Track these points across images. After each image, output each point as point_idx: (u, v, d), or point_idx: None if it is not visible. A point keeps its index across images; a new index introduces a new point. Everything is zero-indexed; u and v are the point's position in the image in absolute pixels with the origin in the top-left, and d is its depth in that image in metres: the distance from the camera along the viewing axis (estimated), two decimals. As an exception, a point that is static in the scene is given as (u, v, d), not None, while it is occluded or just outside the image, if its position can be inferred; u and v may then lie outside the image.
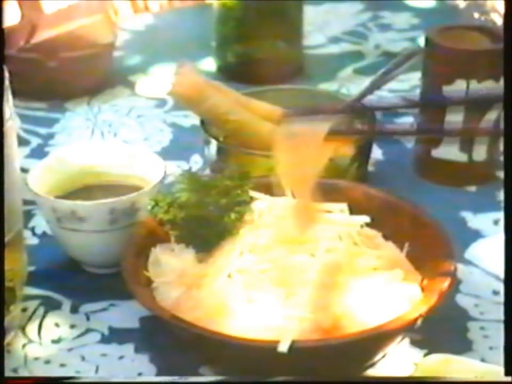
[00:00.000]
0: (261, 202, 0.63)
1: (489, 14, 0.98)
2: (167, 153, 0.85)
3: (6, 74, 0.56)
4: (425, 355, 0.58)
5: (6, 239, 0.57)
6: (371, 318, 0.55)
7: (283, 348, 0.51)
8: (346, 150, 0.72)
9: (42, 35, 0.97)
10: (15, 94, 0.56)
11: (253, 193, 0.63)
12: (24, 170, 0.70)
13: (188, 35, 1.17)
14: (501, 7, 0.98)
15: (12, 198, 0.58)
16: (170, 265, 0.60)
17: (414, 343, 0.59)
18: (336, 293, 0.56)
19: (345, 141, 0.51)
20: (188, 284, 0.58)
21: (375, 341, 0.55)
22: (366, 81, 0.84)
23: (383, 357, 0.57)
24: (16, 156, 0.58)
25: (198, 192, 0.61)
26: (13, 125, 0.57)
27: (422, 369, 0.53)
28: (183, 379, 0.57)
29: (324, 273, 0.57)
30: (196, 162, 0.84)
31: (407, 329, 0.56)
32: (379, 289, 0.57)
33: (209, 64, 1.06)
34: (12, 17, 1.05)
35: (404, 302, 0.57)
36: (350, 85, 1.01)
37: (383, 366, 0.57)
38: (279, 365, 0.54)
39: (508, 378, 0.36)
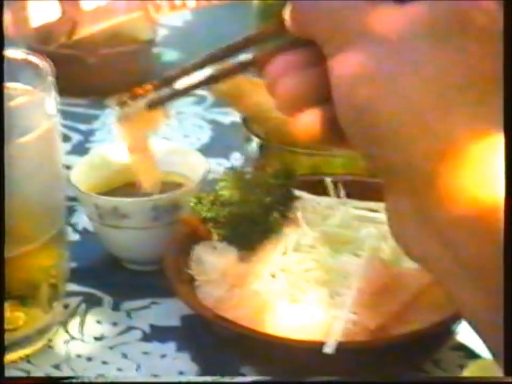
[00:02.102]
0: (304, 201, 0.62)
1: None
2: (207, 151, 0.84)
3: (51, 70, 0.56)
4: (472, 358, 0.57)
5: (50, 235, 0.57)
6: (417, 319, 0.54)
7: (329, 349, 0.50)
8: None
9: (83, 32, 0.98)
10: (55, 90, 0.56)
11: (296, 191, 0.62)
12: (65, 166, 0.71)
13: (226, 31, 1.15)
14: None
15: (56, 194, 0.58)
16: (213, 263, 0.60)
17: (461, 345, 0.58)
18: (381, 293, 0.56)
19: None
20: (230, 283, 0.58)
21: (422, 342, 0.54)
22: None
23: (430, 359, 0.56)
24: (60, 152, 0.58)
25: (241, 190, 0.60)
26: (57, 122, 0.57)
27: (470, 373, 0.52)
28: (184, 379, 0.56)
29: (369, 273, 0.56)
30: (236, 160, 0.84)
31: (454, 331, 0.55)
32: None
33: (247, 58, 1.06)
34: (52, 13, 1.05)
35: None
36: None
37: (429, 368, 0.57)
38: (323, 365, 0.53)
39: (508, 379, 0.36)
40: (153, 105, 0.53)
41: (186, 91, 0.50)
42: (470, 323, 0.36)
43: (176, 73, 0.50)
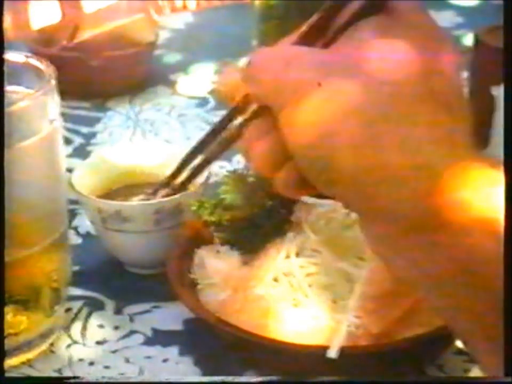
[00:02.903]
0: (307, 205, 0.62)
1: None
2: (209, 153, 0.84)
3: (53, 73, 0.56)
4: (476, 362, 0.56)
5: (52, 239, 0.57)
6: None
7: (332, 353, 0.50)
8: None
9: (85, 34, 0.98)
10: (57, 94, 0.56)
11: (299, 195, 0.62)
12: (66, 169, 0.71)
13: (227, 33, 1.16)
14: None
15: (58, 198, 0.58)
16: (215, 267, 0.60)
17: (464, 350, 0.58)
18: (384, 297, 0.55)
19: None
20: (233, 287, 0.58)
21: (425, 347, 0.53)
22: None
23: (433, 363, 0.56)
24: (62, 156, 0.58)
25: (243, 194, 0.60)
26: (59, 125, 0.57)
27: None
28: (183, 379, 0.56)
29: (372, 277, 0.56)
30: (238, 163, 0.83)
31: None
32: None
33: (250, 62, 1.06)
34: (54, 16, 1.05)
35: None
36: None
37: (432, 372, 0.56)
38: (326, 370, 0.53)
39: (508, 379, 0.36)
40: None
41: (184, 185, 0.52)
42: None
43: (176, 170, 0.51)
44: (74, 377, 0.57)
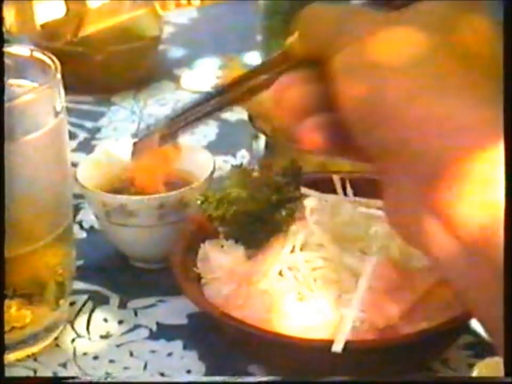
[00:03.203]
0: (312, 199, 0.62)
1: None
2: (213, 148, 0.84)
3: (59, 67, 0.56)
4: (481, 357, 0.56)
5: (57, 233, 0.57)
6: (426, 318, 0.54)
7: (337, 348, 0.50)
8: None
9: (89, 29, 0.97)
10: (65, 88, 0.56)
11: (304, 189, 0.62)
12: (72, 164, 0.71)
13: (231, 28, 1.16)
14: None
15: (63, 192, 0.58)
16: (220, 261, 0.60)
17: (470, 344, 0.58)
18: (389, 292, 0.55)
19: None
20: (237, 281, 0.58)
21: (431, 342, 0.53)
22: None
23: (438, 358, 0.56)
24: (67, 150, 0.58)
25: (248, 188, 0.60)
26: (64, 119, 0.57)
27: (479, 372, 0.51)
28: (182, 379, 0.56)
29: (376, 271, 0.56)
30: (242, 157, 0.83)
31: (463, 330, 0.55)
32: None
33: (254, 57, 1.05)
34: (58, 11, 1.05)
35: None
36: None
37: (437, 367, 0.56)
38: (331, 364, 0.53)
39: (508, 379, 0.36)
40: (166, 140, 0.54)
41: (196, 121, 0.52)
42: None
43: (186, 108, 0.52)
44: (74, 377, 0.57)
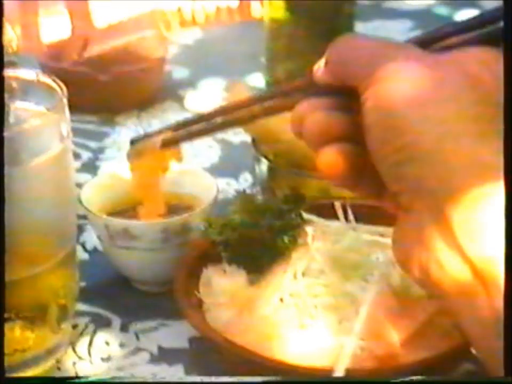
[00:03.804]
0: (314, 225, 0.62)
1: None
2: (216, 170, 0.85)
3: (65, 91, 0.56)
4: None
5: (60, 256, 0.57)
6: (425, 348, 0.54)
7: (337, 376, 0.50)
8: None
9: (95, 49, 0.98)
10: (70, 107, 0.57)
11: (306, 215, 0.62)
12: (76, 184, 0.71)
13: (236, 50, 1.17)
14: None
15: (68, 216, 0.58)
16: (222, 286, 0.60)
17: (470, 373, 0.58)
18: (389, 320, 0.55)
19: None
20: (239, 307, 0.58)
21: (430, 371, 0.54)
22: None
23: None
24: (72, 174, 0.59)
25: (251, 214, 0.60)
26: (70, 142, 0.57)
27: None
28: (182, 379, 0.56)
29: (377, 300, 0.56)
30: (245, 180, 0.84)
31: (464, 359, 0.55)
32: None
33: (258, 79, 1.06)
34: (64, 30, 1.06)
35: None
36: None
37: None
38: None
39: (508, 379, 0.36)
40: (167, 144, 0.56)
41: (201, 133, 0.53)
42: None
43: (193, 119, 0.53)
44: (74, 377, 0.57)
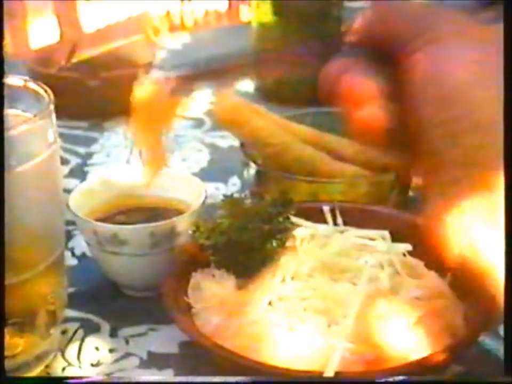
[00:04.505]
0: (302, 229, 0.62)
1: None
2: (205, 175, 0.85)
3: (52, 98, 0.56)
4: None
5: (49, 262, 0.57)
6: (414, 350, 0.54)
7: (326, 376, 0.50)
8: (387, 177, 0.72)
9: (83, 54, 0.98)
10: (54, 113, 0.56)
11: (294, 219, 0.62)
12: (64, 190, 0.71)
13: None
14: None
15: (56, 222, 0.58)
16: (211, 291, 0.60)
17: (455, 375, 0.58)
18: (378, 323, 0.56)
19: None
20: (228, 311, 0.58)
21: (418, 374, 0.54)
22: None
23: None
24: (60, 179, 0.59)
25: (240, 218, 0.60)
26: (57, 149, 0.57)
27: None
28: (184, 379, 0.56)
29: (366, 302, 0.56)
30: (234, 184, 0.84)
31: (451, 362, 0.55)
32: (422, 320, 0.56)
33: (247, 84, 1.06)
34: (52, 36, 1.06)
35: (447, 334, 0.56)
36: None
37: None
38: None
39: (508, 379, 0.36)
40: (177, 92, 0.52)
41: (212, 75, 0.51)
42: None
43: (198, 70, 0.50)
44: (74, 377, 0.57)
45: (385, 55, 0.41)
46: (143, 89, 0.55)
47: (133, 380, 0.57)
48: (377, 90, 0.41)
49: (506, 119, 0.37)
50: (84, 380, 0.55)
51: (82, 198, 0.68)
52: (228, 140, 0.91)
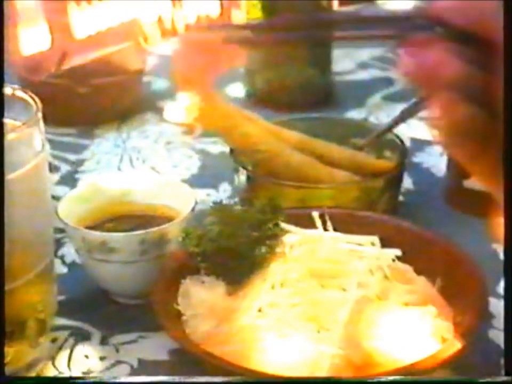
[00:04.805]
0: (292, 235, 0.62)
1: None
2: (195, 181, 0.85)
3: (40, 106, 0.56)
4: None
5: (38, 270, 0.57)
6: (403, 356, 0.54)
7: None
8: (376, 182, 0.72)
9: (73, 61, 0.98)
10: (45, 120, 0.56)
11: (284, 225, 0.62)
12: (54, 197, 0.71)
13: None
14: None
15: (44, 230, 0.58)
16: (201, 298, 0.60)
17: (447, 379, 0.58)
18: (367, 329, 0.56)
19: None
20: (218, 318, 0.58)
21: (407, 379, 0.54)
22: (395, 108, 0.85)
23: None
24: (48, 187, 0.58)
25: (229, 225, 0.60)
26: (45, 156, 0.57)
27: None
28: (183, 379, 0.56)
29: (356, 308, 0.57)
30: (224, 191, 0.84)
31: (440, 367, 0.55)
32: (411, 326, 0.56)
33: (238, 89, 1.06)
34: (43, 43, 1.06)
35: (437, 339, 0.56)
36: (379, 112, 1.01)
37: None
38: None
39: (508, 378, 0.36)
40: (232, 40, 0.52)
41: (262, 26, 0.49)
42: None
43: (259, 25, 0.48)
44: (74, 377, 0.57)
45: (469, 37, 0.38)
46: (198, 35, 0.53)
47: (132, 380, 0.57)
48: (463, 72, 0.38)
49: (506, 119, 0.36)
50: (83, 380, 0.55)
51: (72, 205, 0.68)
52: (218, 146, 0.91)
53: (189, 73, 0.56)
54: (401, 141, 0.78)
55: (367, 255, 0.62)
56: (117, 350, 0.63)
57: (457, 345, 0.54)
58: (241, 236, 0.60)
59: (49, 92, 0.92)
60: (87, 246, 0.64)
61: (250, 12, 1.00)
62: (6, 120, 0.57)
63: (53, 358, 0.62)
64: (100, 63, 0.97)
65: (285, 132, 0.77)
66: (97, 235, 0.64)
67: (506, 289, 0.34)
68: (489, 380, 0.50)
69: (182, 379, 0.54)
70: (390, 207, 0.73)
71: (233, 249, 0.60)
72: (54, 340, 0.63)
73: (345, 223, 0.65)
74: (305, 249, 0.61)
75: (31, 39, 1.07)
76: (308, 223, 0.64)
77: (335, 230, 0.64)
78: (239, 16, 1.02)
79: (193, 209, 0.67)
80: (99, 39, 1.03)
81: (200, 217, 0.66)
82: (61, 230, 0.69)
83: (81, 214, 0.69)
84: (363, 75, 1.12)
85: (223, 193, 0.84)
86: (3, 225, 0.49)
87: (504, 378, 0.37)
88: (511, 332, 0.34)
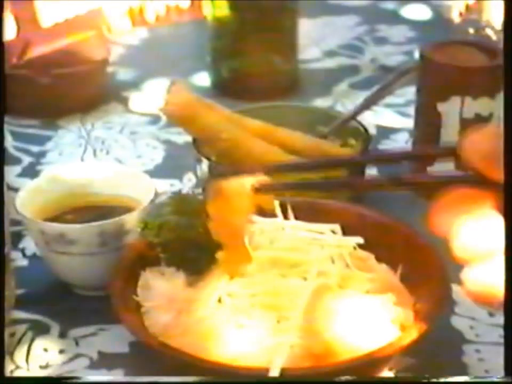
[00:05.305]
0: (252, 224, 0.62)
1: (484, 30, 0.98)
2: (160, 171, 0.84)
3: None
4: (419, 379, 0.57)
5: (-8, 263, 0.56)
6: (363, 344, 0.54)
7: (273, 375, 0.50)
8: (339, 170, 0.71)
9: (35, 51, 0.97)
10: (7, 111, 0.55)
11: (243, 215, 0.62)
12: (16, 189, 0.70)
13: (182, 49, 1.16)
14: (496, 22, 0.97)
15: (-2, 221, 0.57)
16: (160, 289, 0.59)
17: (407, 367, 0.58)
18: (327, 317, 0.55)
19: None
20: (177, 309, 0.57)
21: (367, 367, 0.54)
22: (361, 96, 0.84)
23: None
24: (3, 179, 0.57)
25: (187, 215, 0.60)
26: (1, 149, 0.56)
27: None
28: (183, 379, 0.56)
29: (316, 297, 0.56)
30: (189, 180, 0.83)
31: (400, 354, 0.55)
32: (371, 314, 0.56)
33: (204, 79, 1.06)
34: (8, 33, 1.04)
35: (397, 326, 0.56)
36: (345, 100, 1.00)
37: None
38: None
39: (508, 379, 0.36)
40: (261, 190, 0.52)
41: (298, 187, 0.51)
42: None
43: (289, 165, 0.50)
44: (74, 377, 0.57)
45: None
46: (228, 184, 0.53)
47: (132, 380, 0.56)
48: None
49: (506, 120, 0.36)
50: (83, 380, 0.55)
51: (31, 197, 0.67)
52: (183, 136, 0.90)
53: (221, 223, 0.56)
54: (365, 129, 0.78)
55: (328, 243, 0.61)
56: (77, 343, 0.62)
57: (416, 332, 0.53)
58: (200, 226, 0.59)
59: (11, 83, 0.91)
60: (46, 238, 0.64)
61: (214, 3, 0.99)
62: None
63: (11, 353, 0.61)
64: (62, 53, 0.96)
65: (247, 120, 0.76)
66: (55, 227, 0.63)
67: (506, 288, 0.34)
68: (489, 380, 0.49)
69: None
70: (352, 196, 0.73)
71: (193, 240, 0.59)
72: (12, 334, 0.62)
73: (306, 211, 0.64)
74: (265, 238, 0.61)
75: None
76: (269, 212, 0.63)
77: (296, 218, 0.64)
78: (208, 8, 1.01)
79: (152, 200, 0.66)
80: (63, 28, 1.01)
81: (160, 208, 0.65)
82: (22, 223, 0.68)
83: (41, 206, 0.68)
84: (330, 63, 1.11)
85: (188, 182, 0.83)
86: (3, 225, 0.49)
87: (504, 378, 0.37)
88: (511, 332, 0.34)
